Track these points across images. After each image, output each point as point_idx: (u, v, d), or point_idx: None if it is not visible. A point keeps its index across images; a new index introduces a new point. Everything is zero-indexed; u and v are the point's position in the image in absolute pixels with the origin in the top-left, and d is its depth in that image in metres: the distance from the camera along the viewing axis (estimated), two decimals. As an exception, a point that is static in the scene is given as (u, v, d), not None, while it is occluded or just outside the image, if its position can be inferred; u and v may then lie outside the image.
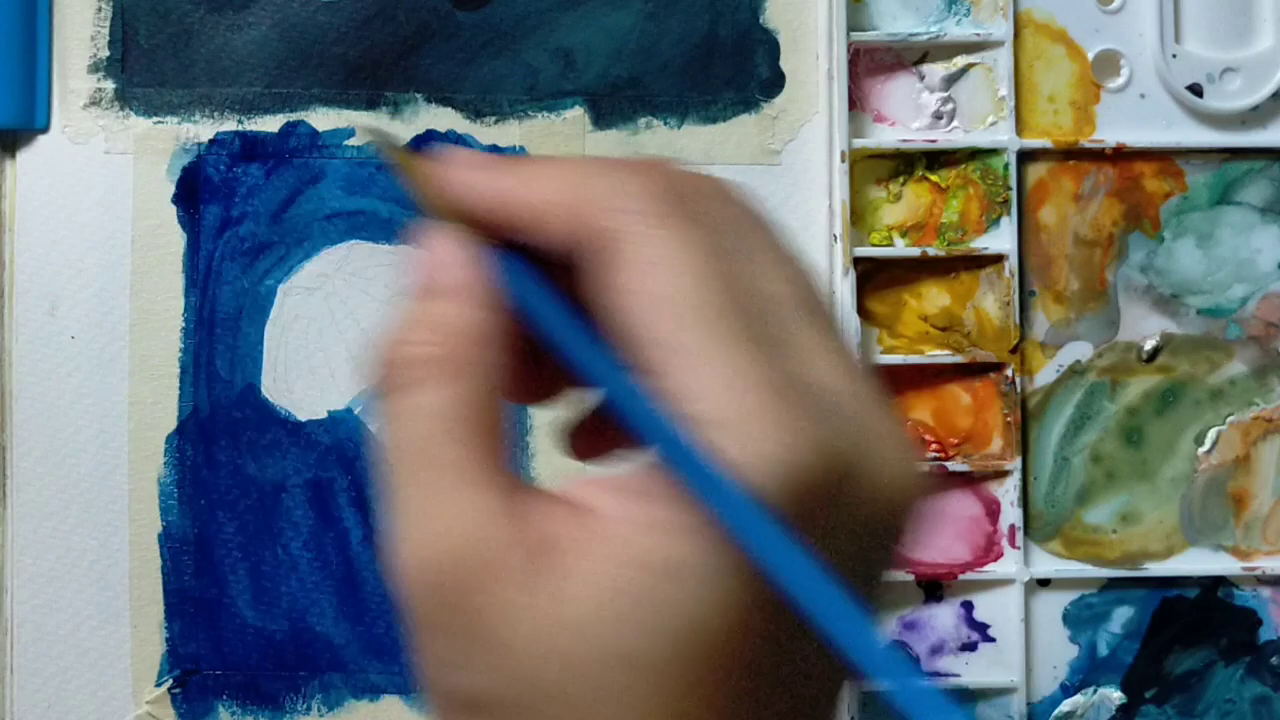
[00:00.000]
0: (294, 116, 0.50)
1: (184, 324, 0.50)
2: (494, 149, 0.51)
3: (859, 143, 0.50)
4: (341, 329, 0.50)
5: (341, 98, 0.50)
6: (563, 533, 0.22)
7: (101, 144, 0.50)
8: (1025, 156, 0.51)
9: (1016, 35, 0.51)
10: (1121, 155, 0.51)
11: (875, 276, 0.51)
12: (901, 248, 0.51)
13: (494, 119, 0.51)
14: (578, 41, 0.51)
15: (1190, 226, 0.52)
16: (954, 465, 0.51)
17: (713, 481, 0.21)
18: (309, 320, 0.50)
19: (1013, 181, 0.51)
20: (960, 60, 0.51)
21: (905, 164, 0.51)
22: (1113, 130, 0.52)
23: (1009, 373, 0.51)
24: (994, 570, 0.51)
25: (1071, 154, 0.51)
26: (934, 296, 0.51)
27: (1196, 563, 0.52)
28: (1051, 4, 0.51)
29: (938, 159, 0.51)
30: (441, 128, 0.50)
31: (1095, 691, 0.51)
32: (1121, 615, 0.52)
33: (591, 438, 0.27)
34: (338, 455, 0.50)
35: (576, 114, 0.51)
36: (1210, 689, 0.52)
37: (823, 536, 0.22)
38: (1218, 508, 0.52)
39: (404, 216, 0.50)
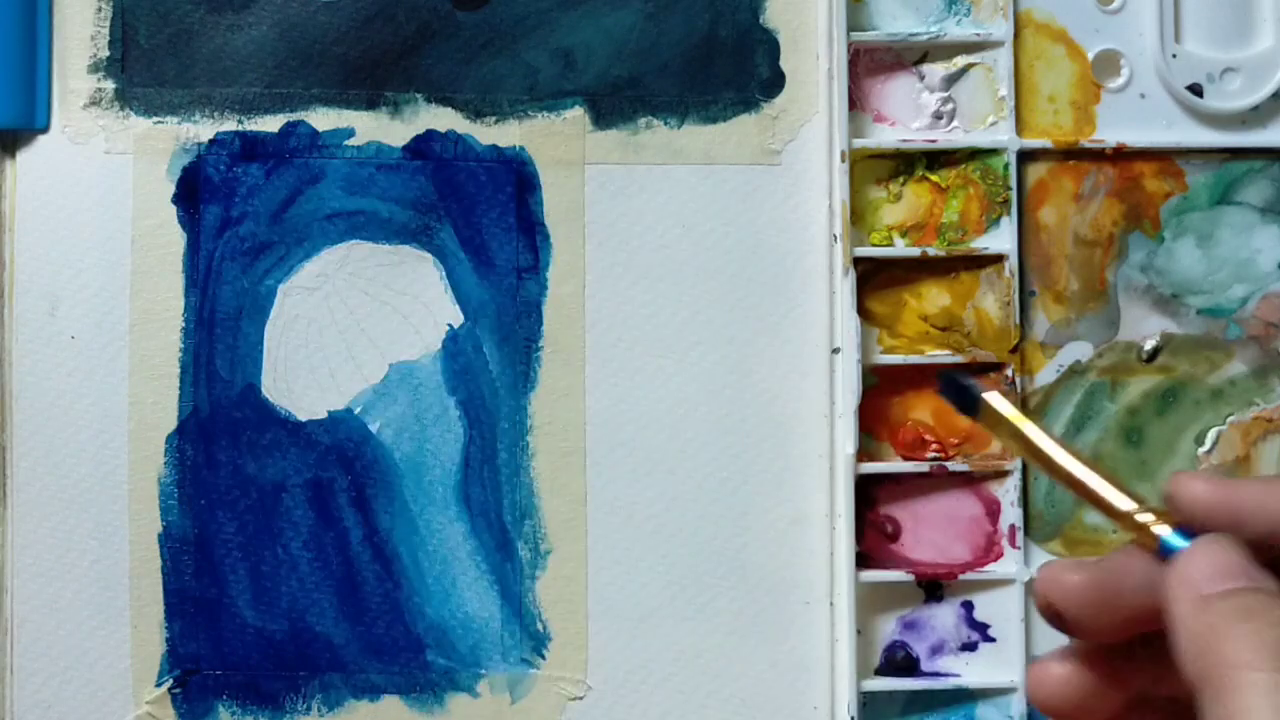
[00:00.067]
0: (294, 116, 0.50)
1: (184, 324, 0.50)
2: (494, 148, 0.51)
3: (859, 143, 0.50)
4: (341, 329, 0.50)
5: (341, 98, 0.51)
6: None
7: (101, 144, 0.50)
8: (1025, 156, 0.51)
9: (1016, 35, 0.51)
10: (1121, 155, 0.51)
11: (875, 276, 0.51)
12: (901, 248, 0.51)
13: (494, 119, 0.51)
14: (578, 41, 0.51)
15: (1190, 226, 0.52)
16: (954, 465, 0.51)
17: None
18: (309, 320, 0.50)
19: (1013, 181, 0.51)
20: (960, 60, 0.51)
21: (905, 164, 0.51)
22: (1113, 130, 0.52)
23: (1009, 373, 0.51)
24: (994, 570, 0.51)
25: (1071, 154, 0.51)
26: (934, 296, 0.51)
27: (1196, 563, 0.52)
28: (1051, 4, 0.52)
29: (938, 159, 0.51)
30: (441, 128, 0.50)
31: (1095, 691, 0.51)
32: (1121, 615, 0.52)
33: None
34: (338, 455, 0.50)
35: (576, 114, 0.51)
36: (1210, 689, 0.52)
37: None
38: (1218, 508, 0.52)
39: (404, 218, 0.50)
